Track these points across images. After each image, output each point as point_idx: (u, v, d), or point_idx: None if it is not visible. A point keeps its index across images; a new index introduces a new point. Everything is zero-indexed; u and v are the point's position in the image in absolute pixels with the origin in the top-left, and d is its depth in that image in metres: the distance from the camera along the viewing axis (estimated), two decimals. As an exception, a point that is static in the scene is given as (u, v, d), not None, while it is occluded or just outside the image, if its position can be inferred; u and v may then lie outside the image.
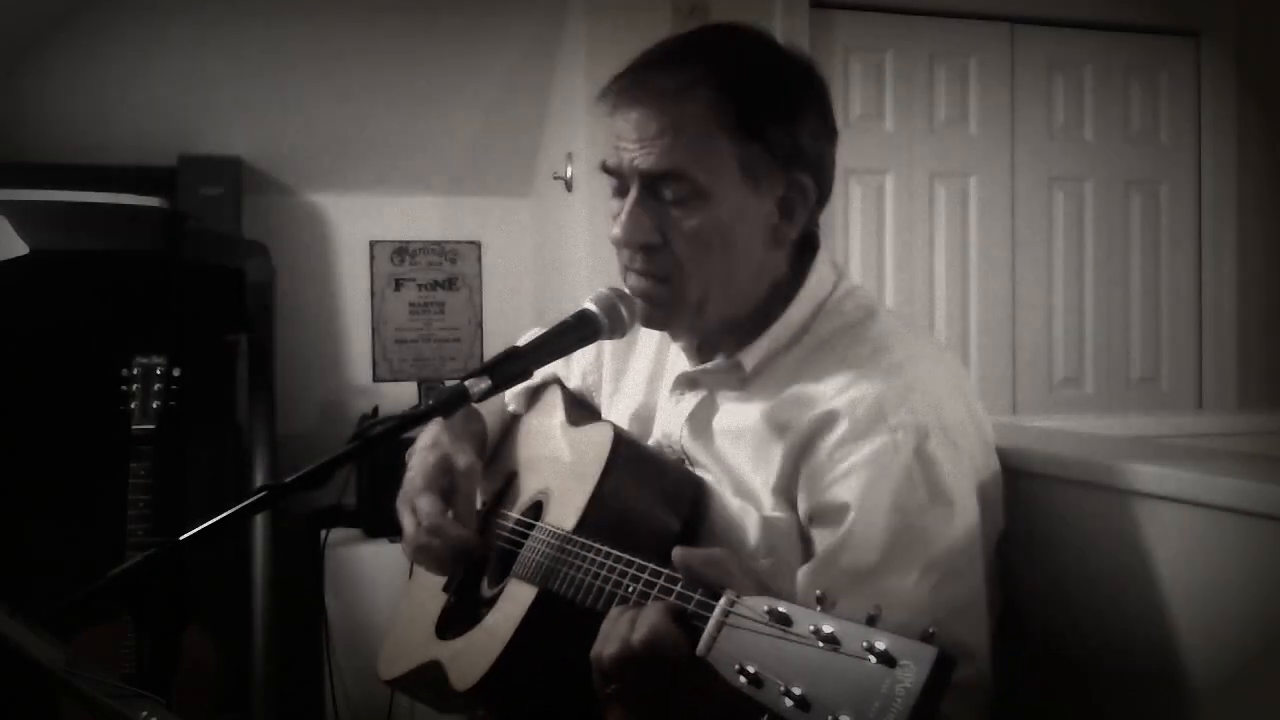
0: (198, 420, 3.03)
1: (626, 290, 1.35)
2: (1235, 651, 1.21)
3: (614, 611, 1.10)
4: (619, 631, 1.05)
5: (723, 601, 0.96)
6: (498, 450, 1.66)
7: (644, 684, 1.02)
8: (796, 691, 0.84)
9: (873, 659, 0.82)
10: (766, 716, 0.87)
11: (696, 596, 1.01)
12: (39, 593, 1.13)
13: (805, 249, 1.40)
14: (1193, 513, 1.25)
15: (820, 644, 0.85)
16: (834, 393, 1.27)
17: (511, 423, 1.68)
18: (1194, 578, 1.26)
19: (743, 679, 0.89)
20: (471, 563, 1.47)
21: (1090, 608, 1.37)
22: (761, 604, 0.92)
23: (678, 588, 1.05)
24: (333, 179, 3.52)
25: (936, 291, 3.63)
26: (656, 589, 1.09)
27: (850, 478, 1.23)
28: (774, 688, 0.86)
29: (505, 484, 1.57)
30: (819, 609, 0.88)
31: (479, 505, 1.52)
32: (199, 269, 3.00)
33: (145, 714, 0.93)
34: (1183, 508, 1.26)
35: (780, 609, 0.90)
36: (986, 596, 1.26)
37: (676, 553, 1.07)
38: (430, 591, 1.53)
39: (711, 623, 0.96)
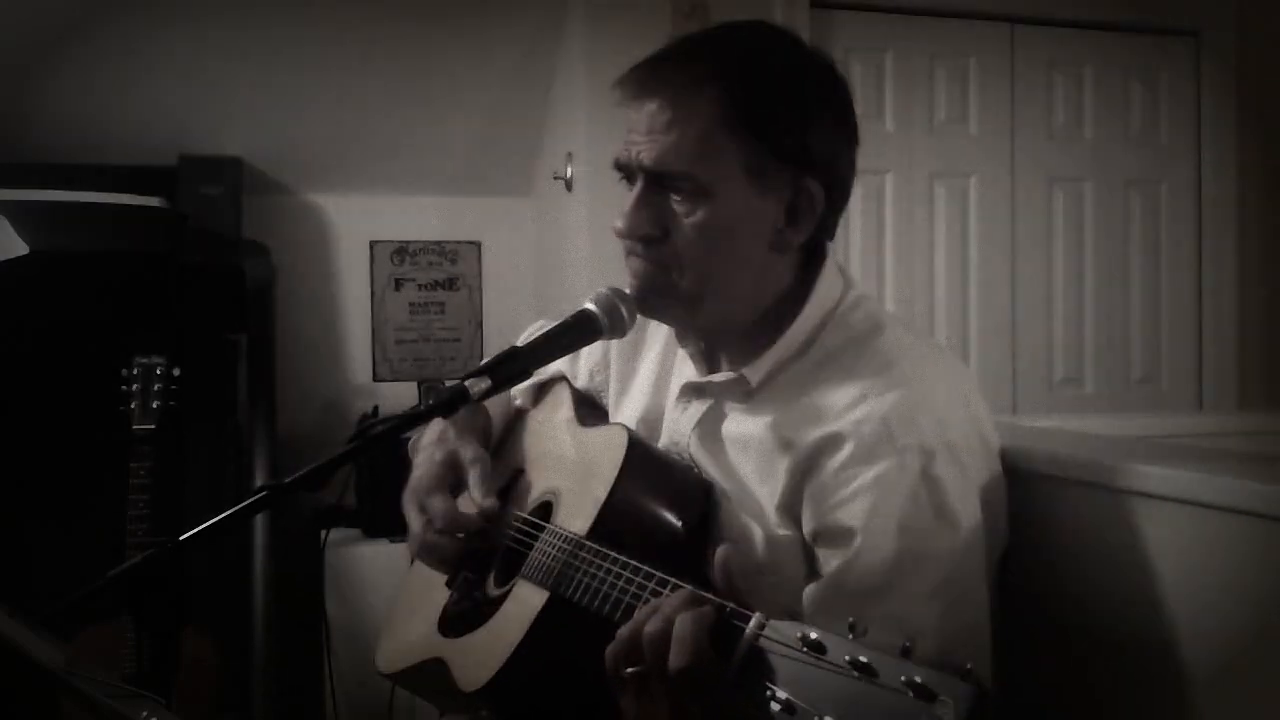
0: (198, 420, 3.03)
1: (629, 276, 1.35)
2: (1235, 651, 1.21)
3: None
4: (666, 610, 1.02)
5: (753, 623, 0.94)
6: (502, 445, 1.65)
7: (670, 674, 0.99)
8: None
9: (910, 694, 0.80)
10: None
11: (730, 606, 0.99)
12: (39, 593, 1.13)
13: (813, 258, 1.39)
14: (1193, 513, 1.25)
15: (855, 674, 0.83)
16: (839, 410, 1.26)
17: (516, 418, 1.67)
18: (1194, 578, 1.25)
19: (774, 705, 0.87)
20: (476, 560, 1.46)
21: (1090, 607, 1.37)
22: (794, 629, 0.90)
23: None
24: (333, 179, 3.52)
25: (936, 291, 3.63)
26: None
27: (856, 501, 1.22)
28: (806, 715, 0.85)
29: (511, 481, 1.56)
30: (851, 637, 0.86)
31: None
32: (199, 269, 3.00)
33: (145, 714, 0.93)
34: (1183, 508, 1.26)
35: (813, 636, 0.88)
36: (989, 611, 1.25)
37: (722, 550, 1.05)
38: (431, 585, 1.52)
39: (743, 642, 0.94)
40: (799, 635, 0.89)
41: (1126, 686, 1.33)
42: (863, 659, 0.84)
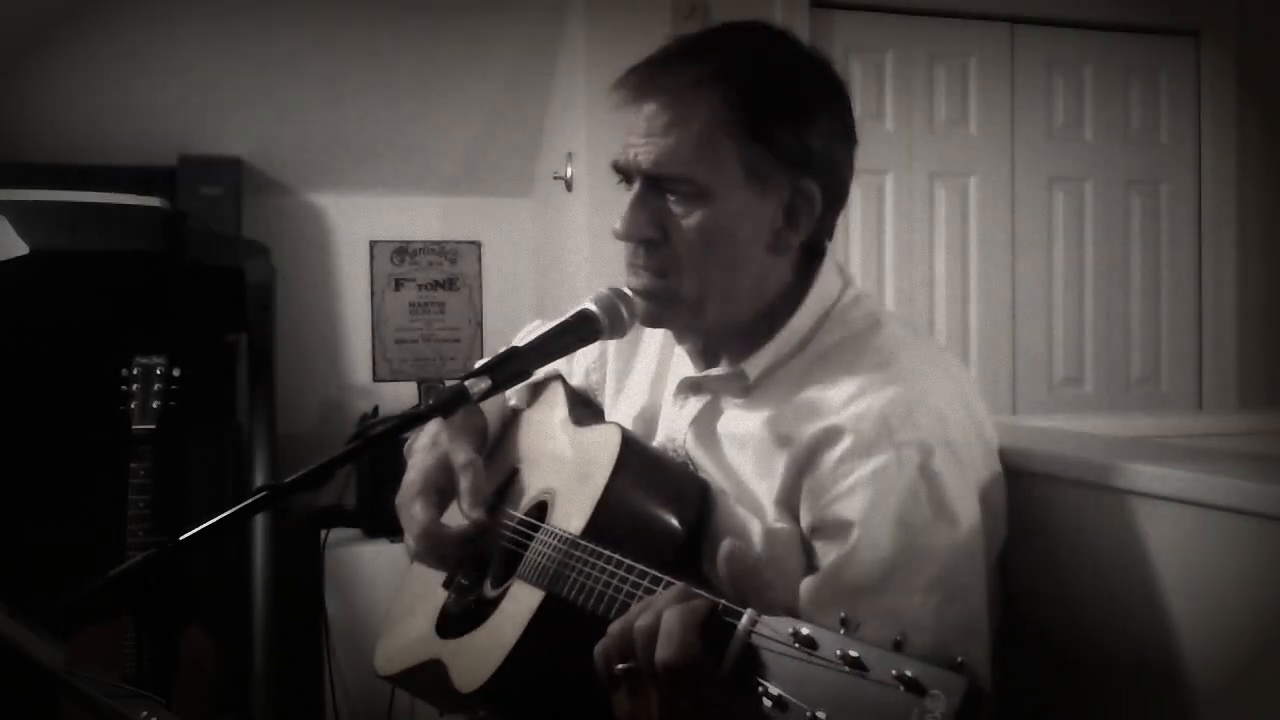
0: (198, 420, 3.03)
1: (628, 289, 1.35)
2: (1235, 651, 1.21)
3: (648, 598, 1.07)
4: (658, 605, 1.02)
5: (745, 620, 0.94)
6: (498, 445, 1.65)
7: (659, 668, 0.98)
8: (822, 716, 0.83)
9: (901, 687, 0.80)
10: None
11: (722, 603, 0.99)
12: (39, 593, 1.13)
13: (812, 256, 1.39)
14: (1192, 513, 1.25)
15: (846, 669, 0.83)
16: (838, 405, 1.26)
17: (512, 417, 1.67)
18: (1194, 578, 1.26)
19: (766, 701, 0.87)
20: (473, 561, 1.46)
21: (1089, 607, 1.37)
22: (786, 625, 0.90)
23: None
24: (333, 179, 3.52)
25: (936, 292, 3.63)
26: None
27: (854, 494, 1.22)
28: (799, 712, 0.84)
29: (507, 480, 1.56)
30: (843, 632, 0.86)
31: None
32: (199, 269, 3.00)
33: (145, 714, 0.93)
34: (1182, 508, 1.26)
35: (805, 631, 0.88)
36: (987, 609, 1.25)
37: (727, 544, 1.03)
38: (429, 586, 1.52)
39: (735, 639, 0.94)
40: (791, 631, 0.89)
41: (1126, 687, 1.33)
42: (854, 653, 0.84)
